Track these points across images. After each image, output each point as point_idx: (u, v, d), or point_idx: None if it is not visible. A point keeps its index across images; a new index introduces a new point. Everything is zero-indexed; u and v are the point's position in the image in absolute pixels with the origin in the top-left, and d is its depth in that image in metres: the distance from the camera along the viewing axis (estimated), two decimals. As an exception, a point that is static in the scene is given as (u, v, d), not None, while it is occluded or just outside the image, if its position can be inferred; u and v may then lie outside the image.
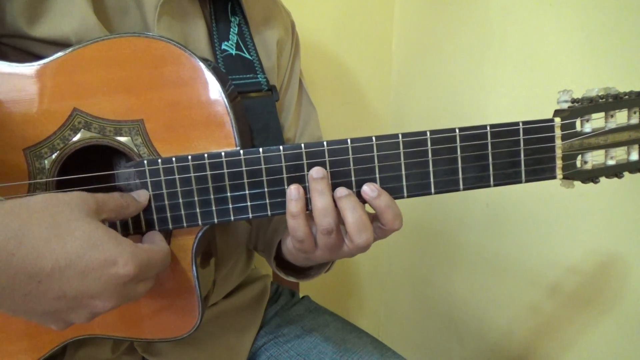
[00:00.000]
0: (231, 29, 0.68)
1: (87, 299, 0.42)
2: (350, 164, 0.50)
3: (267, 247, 0.69)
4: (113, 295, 0.43)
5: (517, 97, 0.92)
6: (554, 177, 0.51)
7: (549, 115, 0.51)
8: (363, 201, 0.51)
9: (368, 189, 0.49)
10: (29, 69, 0.49)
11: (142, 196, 0.50)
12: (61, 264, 0.40)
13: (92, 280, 0.41)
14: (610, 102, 0.50)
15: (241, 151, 0.49)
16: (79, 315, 0.44)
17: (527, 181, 0.50)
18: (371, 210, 0.52)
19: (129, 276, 0.42)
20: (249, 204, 0.50)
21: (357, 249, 0.51)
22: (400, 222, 0.51)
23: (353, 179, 0.50)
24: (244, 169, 0.50)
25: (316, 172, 0.49)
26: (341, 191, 0.49)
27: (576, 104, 0.49)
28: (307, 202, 0.50)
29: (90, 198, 0.44)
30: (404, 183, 0.50)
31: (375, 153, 0.49)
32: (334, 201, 0.50)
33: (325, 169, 0.50)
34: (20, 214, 0.40)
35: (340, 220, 0.50)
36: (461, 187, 0.50)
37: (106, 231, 0.43)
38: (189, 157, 0.49)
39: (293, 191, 0.49)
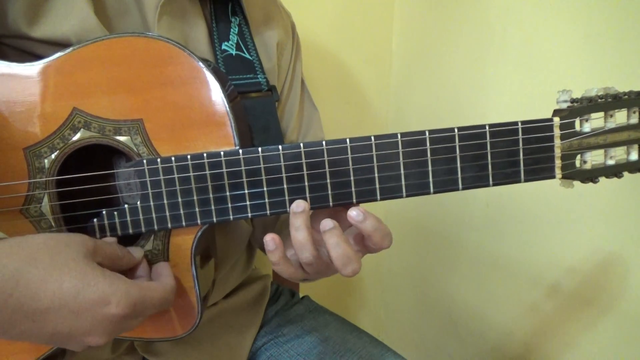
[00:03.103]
0: (231, 29, 0.68)
1: (80, 336, 0.43)
2: (349, 164, 0.49)
3: None
4: (105, 332, 0.44)
5: (517, 97, 0.92)
6: (553, 177, 0.51)
7: (549, 115, 0.51)
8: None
9: (354, 214, 0.48)
10: (29, 68, 0.49)
11: (137, 253, 0.52)
12: (56, 304, 0.41)
13: (85, 319, 0.42)
14: (610, 101, 0.50)
15: (240, 150, 0.50)
16: (72, 347, 0.46)
17: (526, 181, 0.50)
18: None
19: (120, 315, 0.43)
20: (248, 203, 0.50)
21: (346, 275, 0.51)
22: (390, 241, 0.51)
23: (352, 178, 0.50)
24: (242, 168, 0.50)
25: (296, 206, 0.49)
26: (325, 224, 0.48)
27: (575, 104, 0.49)
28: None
29: (89, 240, 0.46)
30: (403, 182, 0.50)
31: (374, 153, 0.49)
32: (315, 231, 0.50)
33: (324, 168, 0.50)
34: (20, 254, 0.41)
35: (320, 244, 0.50)
36: (460, 186, 0.50)
37: (101, 271, 0.44)
38: (188, 156, 0.50)
39: (269, 243, 0.49)
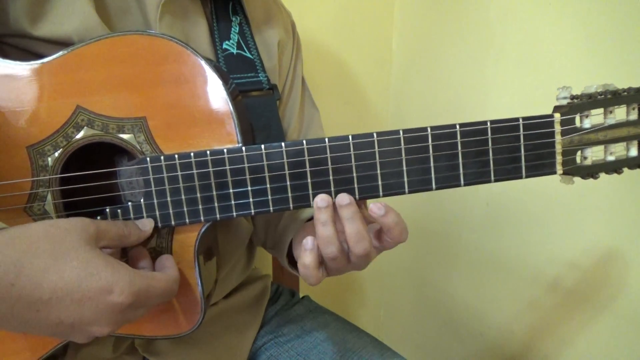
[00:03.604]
0: (232, 28, 0.68)
1: (84, 326, 0.43)
2: (352, 160, 0.50)
3: (277, 245, 0.69)
4: (109, 322, 0.44)
5: (517, 97, 0.92)
6: (554, 173, 0.51)
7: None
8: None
9: (375, 208, 0.49)
10: (32, 67, 0.50)
11: (147, 225, 0.51)
12: (58, 294, 0.41)
13: (88, 308, 0.42)
14: (609, 98, 0.50)
15: (243, 148, 0.50)
16: (77, 338, 0.45)
17: (527, 176, 0.51)
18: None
19: (124, 304, 0.43)
20: (251, 200, 0.51)
21: (358, 259, 0.51)
22: (407, 235, 0.51)
23: (354, 175, 0.50)
24: (246, 165, 0.50)
25: (321, 201, 0.49)
26: (342, 198, 0.49)
27: (575, 100, 0.50)
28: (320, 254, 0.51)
29: (91, 225, 0.45)
30: (405, 179, 0.50)
31: (376, 149, 0.50)
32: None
33: (327, 165, 0.50)
34: (21, 244, 0.41)
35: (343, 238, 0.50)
36: (462, 182, 0.51)
37: (104, 259, 0.43)
38: (192, 154, 0.50)
39: (309, 242, 0.49)
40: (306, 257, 0.50)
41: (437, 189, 0.51)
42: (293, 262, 0.68)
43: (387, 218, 0.49)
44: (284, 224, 0.69)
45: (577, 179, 0.52)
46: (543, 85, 0.86)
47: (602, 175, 0.52)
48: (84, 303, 0.42)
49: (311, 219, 0.64)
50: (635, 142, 0.51)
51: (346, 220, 0.49)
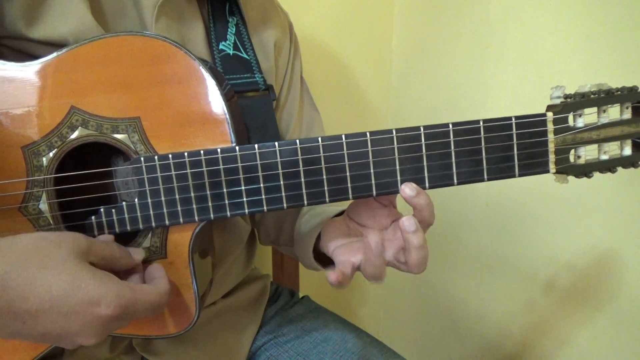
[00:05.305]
0: (229, 29, 0.68)
1: (71, 336, 0.44)
2: (345, 160, 0.50)
3: (300, 241, 0.68)
4: (96, 333, 0.44)
5: (517, 97, 0.92)
6: (547, 172, 0.51)
7: (547, 114, 0.51)
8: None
9: (407, 189, 0.50)
10: (27, 68, 0.50)
11: (137, 255, 0.52)
12: (45, 306, 0.41)
13: (75, 320, 0.42)
14: (603, 97, 0.50)
15: (237, 147, 0.50)
16: (65, 346, 0.46)
17: (520, 175, 0.51)
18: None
19: (111, 316, 0.43)
20: (245, 199, 0.51)
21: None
22: (434, 217, 0.53)
23: (348, 174, 0.50)
24: (239, 165, 0.50)
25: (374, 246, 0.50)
26: (409, 225, 0.50)
27: (568, 99, 0.50)
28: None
29: (83, 240, 0.45)
30: (398, 178, 0.50)
31: (369, 148, 0.50)
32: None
33: (320, 164, 0.50)
34: (10, 256, 0.41)
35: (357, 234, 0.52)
36: (455, 181, 0.51)
37: (91, 271, 0.43)
38: (185, 153, 0.50)
39: (334, 282, 0.51)
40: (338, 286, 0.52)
41: (430, 188, 0.51)
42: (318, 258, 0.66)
43: (418, 199, 0.50)
44: (307, 220, 0.67)
45: (571, 179, 0.52)
46: (543, 84, 0.86)
47: (599, 175, 0.52)
48: (70, 315, 0.42)
49: (339, 214, 0.63)
50: (629, 141, 0.51)
51: (413, 248, 0.51)
